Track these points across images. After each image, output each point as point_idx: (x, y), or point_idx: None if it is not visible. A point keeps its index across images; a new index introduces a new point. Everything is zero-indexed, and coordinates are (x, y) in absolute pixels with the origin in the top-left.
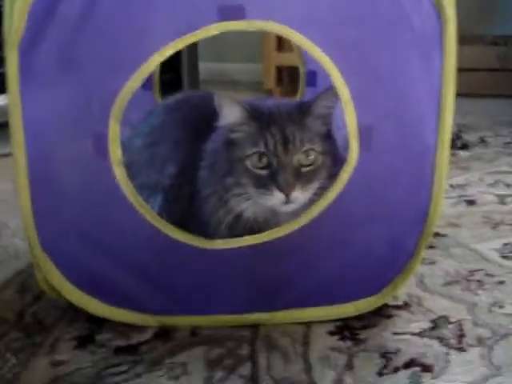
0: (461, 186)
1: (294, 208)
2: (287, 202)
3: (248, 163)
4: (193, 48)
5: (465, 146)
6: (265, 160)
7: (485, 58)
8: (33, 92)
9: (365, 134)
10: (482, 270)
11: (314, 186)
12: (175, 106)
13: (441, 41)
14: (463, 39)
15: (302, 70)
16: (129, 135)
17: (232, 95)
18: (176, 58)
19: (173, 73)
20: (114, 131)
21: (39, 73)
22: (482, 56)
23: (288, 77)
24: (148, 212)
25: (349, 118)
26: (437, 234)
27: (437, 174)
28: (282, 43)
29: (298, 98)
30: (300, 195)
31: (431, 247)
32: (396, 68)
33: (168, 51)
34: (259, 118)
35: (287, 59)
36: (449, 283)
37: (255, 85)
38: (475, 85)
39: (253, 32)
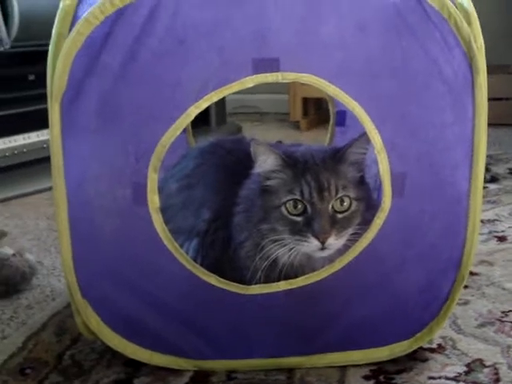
0: (491, 222)
1: (329, 254)
2: (323, 248)
3: (284, 210)
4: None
5: (494, 179)
6: (300, 207)
7: (511, 87)
8: (74, 141)
9: (398, 180)
10: None
11: (349, 232)
12: (210, 149)
13: (472, 90)
14: (488, 69)
15: (331, 110)
16: (163, 178)
17: (267, 142)
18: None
19: None
20: (153, 180)
21: (80, 123)
22: (508, 85)
23: (314, 108)
24: (184, 257)
25: (382, 166)
26: (469, 273)
27: (470, 220)
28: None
29: (327, 136)
30: (335, 241)
31: (464, 287)
32: (428, 118)
33: (204, 104)
34: (294, 166)
35: (313, 90)
36: (482, 325)
37: (281, 116)
38: (502, 114)
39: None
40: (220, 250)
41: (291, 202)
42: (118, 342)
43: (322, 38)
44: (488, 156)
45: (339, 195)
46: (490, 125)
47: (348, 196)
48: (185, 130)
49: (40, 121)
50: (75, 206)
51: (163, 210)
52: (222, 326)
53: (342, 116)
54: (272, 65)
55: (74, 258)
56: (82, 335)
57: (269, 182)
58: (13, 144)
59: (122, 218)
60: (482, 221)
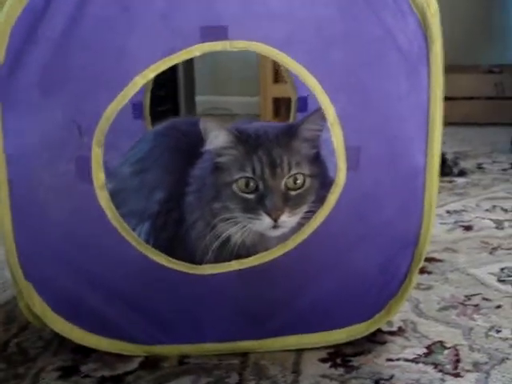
0: (457, 212)
1: (282, 232)
2: (275, 226)
3: (235, 188)
4: (189, 80)
5: (462, 173)
6: (252, 184)
7: (481, 86)
8: (13, 118)
9: (352, 154)
10: (478, 294)
11: (303, 209)
12: (164, 132)
13: (428, 60)
14: (460, 69)
15: (293, 97)
16: (118, 164)
17: (218, 120)
18: (173, 90)
19: (169, 105)
20: (97, 155)
21: (20, 96)
22: (479, 85)
23: (285, 108)
24: (133, 237)
25: (336, 139)
26: (433, 260)
27: (427, 195)
28: (278, 75)
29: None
30: (288, 219)
31: (428, 273)
32: (382, 87)
33: (151, 73)
34: (246, 142)
35: (284, 91)
36: (445, 308)
37: (253, 118)
38: (472, 113)
39: (249, 64)
40: (172, 232)
41: (243, 179)
42: (63, 327)
43: (270, 7)
44: (457, 152)
45: (292, 172)
46: (460, 123)
47: (301, 173)
48: (143, 116)
49: None
50: (16, 183)
51: (115, 194)
52: (173, 309)
53: (304, 102)
54: (220, 33)
55: (17, 238)
56: (31, 324)
57: (220, 159)
58: None
59: (66, 196)
60: (448, 211)
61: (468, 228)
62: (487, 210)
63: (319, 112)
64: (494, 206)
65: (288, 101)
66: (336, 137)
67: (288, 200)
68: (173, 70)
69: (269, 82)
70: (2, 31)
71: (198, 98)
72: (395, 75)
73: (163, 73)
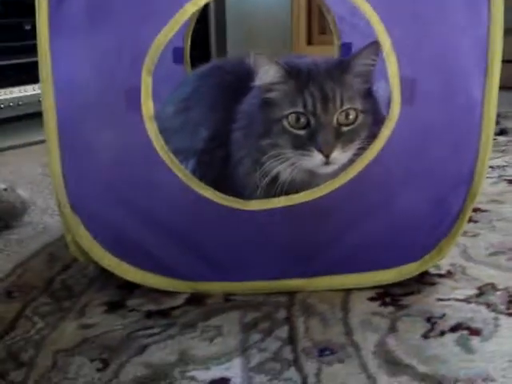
0: (501, 167)
1: (333, 169)
2: (327, 162)
3: (285, 123)
4: (221, 42)
5: (503, 132)
6: (303, 120)
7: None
8: (63, 44)
9: (407, 87)
10: None
11: (355, 145)
12: (209, 72)
13: None
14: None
15: (336, 43)
16: (159, 107)
17: (269, 54)
18: (205, 51)
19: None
20: (147, 84)
21: (69, 23)
22: None
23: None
24: (181, 171)
25: (391, 70)
26: (479, 210)
27: (484, 130)
28: (312, 37)
29: None
30: (340, 156)
31: (474, 221)
32: (441, 17)
33: (201, 0)
34: (297, 77)
35: (318, 52)
36: (494, 254)
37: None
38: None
39: (281, 26)
40: (218, 169)
41: (293, 114)
42: (110, 262)
43: None
44: (498, 114)
45: (345, 107)
46: (501, 88)
47: (354, 108)
48: (183, 61)
49: (36, 74)
50: (65, 114)
51: (160, 133)
52: (220, 245)
53: (348, 48)
54: None
55: (64, 171)
56: (75, 262)
57: (270, 95)
58: (8, 96)
59: (115, 128)
60: (491, 166)
61: None
62: None
63: (373, 46)
64: None
65: None
66: (391, 67)
67: (340, 136)
68: (205, 32)
69: (302, 43)
70: None
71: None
72: (454, 6)
73: (196, 33)
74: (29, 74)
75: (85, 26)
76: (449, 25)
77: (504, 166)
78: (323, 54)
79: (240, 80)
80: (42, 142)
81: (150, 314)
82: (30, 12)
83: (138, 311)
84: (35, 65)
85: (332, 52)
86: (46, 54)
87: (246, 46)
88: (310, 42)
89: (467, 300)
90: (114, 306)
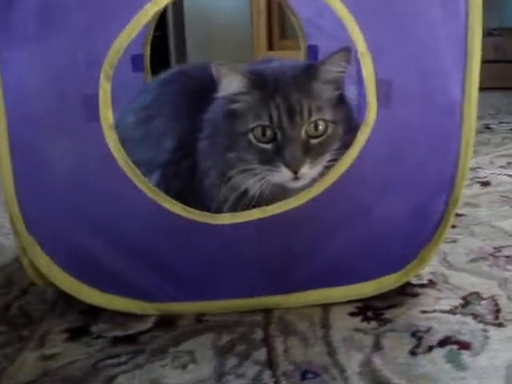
0: (473, 169)
1: (303, 184)
2: (296, 178)
3: (251, 137)
4: (181, 48)
5: None
6: (270, 133)
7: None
8: (12, 50)
9: (383, 88)
10: (509, 246)
11: (325, 158)
12: (170, 78)
13: None
14: None
15: (302, 45)
16: (118, 116)
17: (232, 64)
18: (164, 60)
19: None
20: (105, 90)
21: (18, 29)
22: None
23: None
24: (144, 184)
25: (366, 72)
26: (455, 214)
27: (464, 132)
28: (272, 42)
29: None
30: (309, 171)
31: (451, 227)
32: (416, 15)
33: (163, 0)
34: (262, 87)
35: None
36: (474, 260)
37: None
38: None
39: (241, 31)
40: (184, 180)
41: (259, 128)
42: (71, 285)
43: None
44: None
45: (313, 119)
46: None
47: (323, 119)
48: (143, 68)
49: None
50: (16, 126)
51: (121, 144)
52: (188, 262)
53: (314, 50)
54: None
55: (18, 187)
56: (33, 286)
57: (234, 106)
58: None
59: (71, 138)
60: None
61: (486, 184)
62: (502, 167)
63: (343, 52)
64: (510, 163)
65: None
66: (366, 69)
67: (309, 150)
68: (163, 38)
69: (263, 49)
70: None
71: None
72: (429, 3)
73: (154, 44)
74: None
75: (36, 31)
76: (425, 22)
77: (476, 167)
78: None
79: (203, 86)
80: None
81: (116, 341)
82: None
83: (103, 338)
84: None
85: (294, 58)
86: None
87: (207, 51)
88: (270, 48)
89: (452, 311)
90: (76, 333)
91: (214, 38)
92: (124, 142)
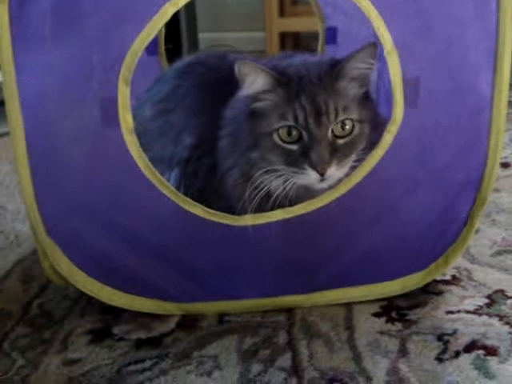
0: None
1: (330, 184)
2: (322, 179)
3: (276, 138)
4: (191, 17)
5: None
6: (295, 133)
7: None
8: (28, 54)
9: (411, 87)
10: None
11: (352, 158)
12: (188, 68)
13: None
14: None
15: (321, 27)
16: (135, 106)
17: (254, 61)
18: (175, 27)
19: (171, 44)
20: (124, 95)
21: (34, 30)
22: None
23: (292, 44)
24: (165, 185)
25: (393, 70)
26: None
27: (493, 131)
28: (284, 8)
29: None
30: (336, 172)
31: None
32: (444, 11)
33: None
34: (287, 85)
35: (291, 25)
36: (498, 253)
37: (258, 54)
38: None
39: None
40: (204, 179)
41: (284, 128)
42: (93, 287)
43: None
44: None
45: (339, 119)
46: None
47: (350, 119)
48: (157, 52)
49: None
50: (34, 130)
51: (138, 138)
52: (211, 262)
53: (333, 33)
54: None
55: (37, 191)
56: (52, 282)
57: (258, 104)
58: None
59: (90, 143)
60: None
61: (506, 165)
62: None
63: (369, 48)
64: None
65: (295, 36)
66: (393, 67)
67: (336, 151)
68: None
69: (274, 16)
70: None
71: (200, 36)
72: None
73: None
74: None
75: (51, 33)
76: (453, 18)
77: None
78: (297, 25)
79: (223, 78)
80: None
81: (139, 344)
82: None
83: (126, 340)
84: None
85: (306, 24)
86: (9, 67)
87: (217, 18)
88: (282, 14)
89: (478, 312)
90: (99, 335)
91: (224, 4)
92: (142, 135)
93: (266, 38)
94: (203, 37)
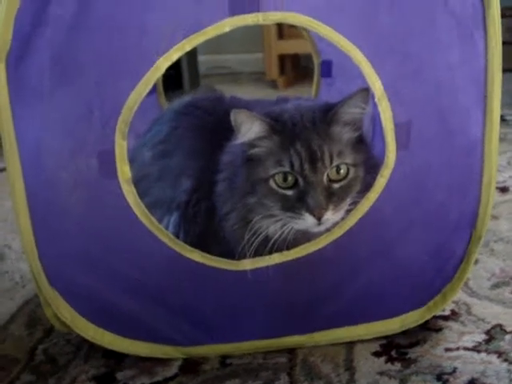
0: None
1: (326, 227)
2: (319, 224)
3: (272, 184)
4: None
5: None
6: (291, 179)
7: None
8: (26, 107)
9: (402, 131)
10: None
11: (347, 201)
12: (185, 110)
13: (484, 23)
14: None
15: (316, 61)
16: (134, 147)
17: (248, 111)
18: None
19: (171, 69)
20: (121, 148)
21: (32, 85)
22: None
23: (291, 65)
24: (163, 233)
25: (384, 115)
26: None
27: (485, 172)
28: (283, 30)
29: (313, 88)
30: (333, 216)
31: None
32: (433, 57)
33: (175, 54)
34: (282, 132)
35: (289, 47)
36: (496, 285)
37: (257, 75)
38: None
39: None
40: (203, 223)
41: (280, 174)
42: (95, 333)
43: None
44: None
45: (334, 163)
46: None
47: (345, 163)
48: (155, 91)
49: None
50: (33, 182)
51: (137, 182)
52: (211, 306)
53: (328, 66)
54: (251, 4)
55: (37, 241)
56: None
57: (254, 151)
58: None
59: (89, 193)
60: None
61: (504, 190)
62: None
63: (361, 93)
64: None
65: (293, 58)
66: (384, 112)
67: (332, 195)
68: None
69: (273, 38)
70: (6, 12)
71: (200, 58)
72: (447, 42)
73: None
74: None
75: (49, 88)
76: (441, 62)
77: None
78: (296, 47)
79: (219, 122)
80: None
81: None
82: None
83: None
84: None
85: (305, 46)
86: (8, 119)
87: (216, 41)
88: (281, 36)
89: (477, 348)
90: (103, 381)
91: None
92: (141, 179)
93: (265, 59)
94: (203, 59)
